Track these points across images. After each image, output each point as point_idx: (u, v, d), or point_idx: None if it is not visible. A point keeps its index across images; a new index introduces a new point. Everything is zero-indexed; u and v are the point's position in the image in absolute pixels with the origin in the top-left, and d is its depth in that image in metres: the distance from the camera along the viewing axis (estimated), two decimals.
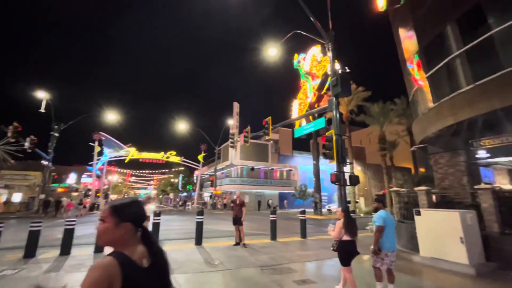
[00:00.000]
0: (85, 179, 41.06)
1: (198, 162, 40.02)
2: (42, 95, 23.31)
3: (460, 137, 9.53)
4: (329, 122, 10.14)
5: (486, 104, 6.82)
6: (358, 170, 37.11)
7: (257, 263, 6.31)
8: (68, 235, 6.98)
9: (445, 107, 8.60)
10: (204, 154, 38.84)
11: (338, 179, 8.93)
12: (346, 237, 4.03)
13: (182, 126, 33.29)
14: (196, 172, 47.11)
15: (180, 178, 50.65)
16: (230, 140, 19.84)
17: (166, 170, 65.50)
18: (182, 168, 51.26)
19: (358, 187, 38.99)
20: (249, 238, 9.68)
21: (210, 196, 40.56)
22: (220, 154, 38.49)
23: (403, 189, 9.00)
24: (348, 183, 9.12)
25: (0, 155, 29.09)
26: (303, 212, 10.62)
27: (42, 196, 24.03)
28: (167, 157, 38.56)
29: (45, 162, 23.79)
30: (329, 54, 10.84)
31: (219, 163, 37.65)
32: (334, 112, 9.79)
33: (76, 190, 34.66)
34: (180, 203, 41.03)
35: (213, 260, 6.45)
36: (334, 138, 9.17)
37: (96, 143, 31.94)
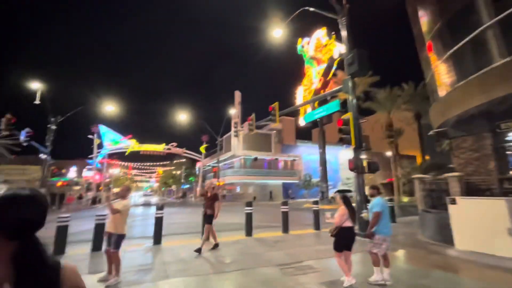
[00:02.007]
0: (86, 172, 40.55)
1: (200, 153, 39.32)
2: (36, 85, 22.37)
3: (487, 119, 8.69)
4: (343, 105, 9.28)
5: None
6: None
7: (274, 261, 5.61)
8: (62, 232, 6.28)
9: (474, 85, 7.71)
10: (206, 145, 38.10)
11: (356, 166, 8.17)
12: (346, 224, 4.14)
13: (183, 117, 32.40)
14: (198, 164, 46.54)
15: (183, 169, 50.16)
16: (234, 129, 19.02)
17: (168, 162, 64.95)
18: (184, 160, 50.65)
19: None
20: (259, 231, 9.02)
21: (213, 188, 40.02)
22: (222, 145, 37.73)
23: (428, 176, 8.22)
24: (366, 170, 8.37)
25: None
26: (316, 203, 9.91)
27: (42, 191, 23.47)
28: (169, 149, 37.85)
29: (43, 156, 23.08)
30: (343, 32, 9.83)
31: (222, 154, 36.94)
32: (351, 93, 8.92)
33: (77, 184, 34.22)
34: (180, 194, 40.68)
35: (224, 258, 5.76)
36: (351, 121, 8.34)
37: (95, 135, 31.16)
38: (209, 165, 43.98)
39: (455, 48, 8.69)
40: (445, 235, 6.59)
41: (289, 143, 41.05)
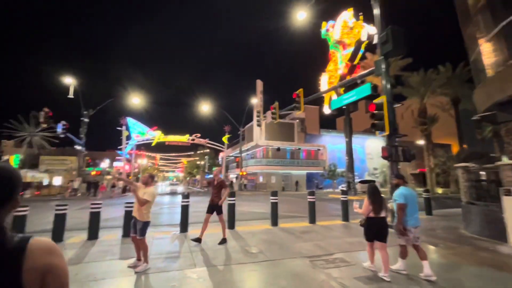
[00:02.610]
0: (117, 163, 42.85)
1: (223, 143, 39.72)
2: (69, 81, 23.64)
3: None
4: (375, 88, 8.57)
5: None
6: None
7: (303, 252, 5.36)
8: (95, 218, 6.51)
9: None
10: (228, 136, 38.33)
11: (390, 154, 7.55)
12: (372, 214, 4.10)
13: (205, 108, 32.69)
14: (221, 154, 47.18)
15: (206, 159, 51.21)
16: (256, 118, 18.74)
17: (192, 153, 66.69)
18: (208, 150, 51.61)
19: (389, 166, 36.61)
20: (284, 221, 8.81)
21: (236, 177, 40.49)
22: (244, 135, 37.71)
23: (473, 165, 7.39)
24: (401, 158, 7.72)
25: (38, 142, 30.91)
26: (345, 193, 9.45)
27: (79, 180, 25.17)
28: (192, 140, 38.64)
29: (78, 147, 24.58)
30: (375, 10, 8.96)
31: (244, 144, 36.99)
32: (384, 75, 8.20)
33: (108, 173, 36.30)
34: (205, 184, 41.79)
35: (251, 248, 5.61)
36: (385, 105, 7.68)
37: (124, 127, 32.56)
38: (231, 155, 44.40)
39: (508, 19, 7.62)
40: (494, 230, 5.90)
41: (312, 133, 40.02)
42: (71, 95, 23.03)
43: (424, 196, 10.86)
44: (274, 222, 8.15)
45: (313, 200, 8.84)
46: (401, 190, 4.14)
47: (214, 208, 6.13)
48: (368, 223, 4.19)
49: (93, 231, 6.45)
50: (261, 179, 36.31)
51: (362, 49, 21.76)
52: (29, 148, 31.39)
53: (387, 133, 7.64)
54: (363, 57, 23.96)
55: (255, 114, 22.29)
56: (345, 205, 9.14)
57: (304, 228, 7.86)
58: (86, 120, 25.36)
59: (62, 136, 21.12)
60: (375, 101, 7.95)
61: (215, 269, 4.35)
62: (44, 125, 19.21)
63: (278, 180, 34.99)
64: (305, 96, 13.57)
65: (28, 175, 28.11)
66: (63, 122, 21.11)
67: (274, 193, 8.44)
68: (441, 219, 9.65)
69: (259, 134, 33.28)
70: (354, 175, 21.99)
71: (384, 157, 7.60)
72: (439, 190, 25.23)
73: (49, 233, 6.23)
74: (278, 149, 33.97)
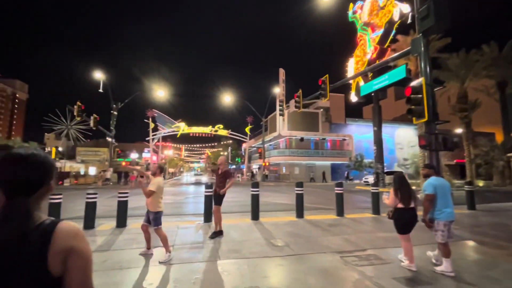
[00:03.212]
0: (145, 154, 44.81)
1: (245, 134, 39.73)
2: (99, 76, 24.71)
3: None
4: (410, 71, 7.74)
5: None
6: None
7: (332, 246, 5.02)
8: (122, 207, 6.66)
9: None
10: (250, 126, 38.22)
11: (429, 142, 6.83)
12: (400, 205, 3.93)
13: (228, 99, 32.70)
14: (243, 145, 47.36)
15: (229, 150, 51.77)
16: (279, 107, 18.26)
17: (215, 144, 67.82)
18: (230, 141, 52.10)
19: (420, 157, 34.33)
20: (310, 213, 8.47)
21: (259, 168, 40.50)
22: (267, 126, 37.33)
23: None
24: (442, 147, 6.96)
25: (74, 134, 33.15)
26: (376, 184, 8.84)
27: (110, 170, 26.63)
28: (215, 131, 39.07)
29: (108, 139, 25.88)
30: None
31: (267, 135, 36.67)
32: (423, 55, 7.36)
33: (137, 164, 38.11)
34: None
35: (276, 241, 5.37)
36: (424, 88, 6.90)
37: (150, 119, 33.69)
38: (254, 146, 44.36)
39: None
40: None
41: (338, 122, 38.56)
42: (101, 90, 24.09)
43: (466, 188, 9.88)
44: (300, 214, 7.85)
45: (341, 191, 8.38)
46: (430, 180, 3.92)
47: (216, 197, 5.75)
48: (400, 215, 3.94)
49: (121, 219, 6.61)
50: (284, 170, 35.95)
51: (394, 30, 20.10)
52: (67, 140, 33.74)
53: (425, 119, 6.90)
54: (394, 40, 22.22)
55: (277, 103, 21.76)
56: (376, 197, 8.56)
57: (332, 221, 7.47)
58: (115, 113, 26.51)
59: (93, 128, 22.30)
60: (413, 84, 7.18)
61: (239, 262, 4.18)
62: (78, 118, 20.37)
63: (302, 171, 34.38)
64: (330, 83, 12.83)
65: (67, 165, 30.32)
66: (94, 115, 22.22)
67: (300, 184, 8.10)
68: (487, 215, 8.71)
69: (282, 124, 32.71)
70: (383, 166, 20.83)
71: (422, 146, 6.91)
72: (480, 183, 23.16)
73: (82, 220, 6.49)
74: (302, 139, 33.22)
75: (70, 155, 34.31)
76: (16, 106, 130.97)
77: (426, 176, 4.14)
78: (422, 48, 7.33)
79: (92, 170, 31.25)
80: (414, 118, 7.22)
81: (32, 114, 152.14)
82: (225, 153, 57.46)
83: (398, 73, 8.26)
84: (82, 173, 30.55)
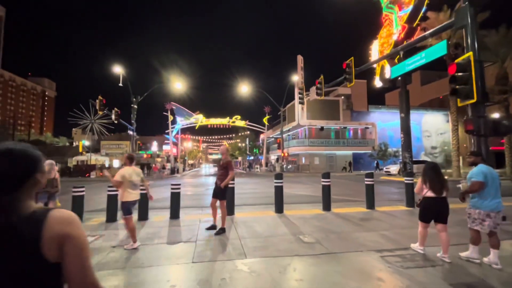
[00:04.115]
0: (165, 146, 45.76)
1: (263, 125, 39.20)
2: (119, 70, 25.05)
3: None
4: (454, 46, 6.81)
5: None
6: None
7: (368, 244, 4.52)
8: (143, 200, 6.50)
9: None
10: (268, 117, 37.60)
11: (477, 127, 6.00)
12: (430, 194, 3.87)
13: (245, 89, 32.17)
14: (261, 136, 46.94)
15: (247, 141, 51.63)
16: (299, 95, 17.51)
17: (233, 135, 67.98)
18: (248, 132, 51.82)
19: (452, 144, 32.04)
20: (337, 206, 7.95)
21: (277, 159, 40.04)
22: (285, 115, 36.50)
23: None
24: (491, 132, 6.10)
25: (97, 128, 34.40)
26: (410, 175, 8.09)
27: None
28: (233, 122, 38.88)
29: (130, 132, 26.46)
30: None
31: (285, 125, 35.91)
32: (470, 27, 6.41)
33: (158, 156, 39.01)
34: (247, 165, 42.58)
35: (305, 237, 4.95)
36: (473, 65, 6.02)
37: (169, 112, 34.06)
38: (272, 137, 43.79)
39: None
40: None
41: (360, 110, 36.88)
42: (121, 84, 24.46)
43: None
44: (327, 207, 7.36)
45: (371, 182, 7.75)
46: (480, 167, 3.75)
47: (217, 191, 5.32)
48: (426, 204, 3.93)
49: (143, 212, 6.48)
50: (303, 161, 35.21)
51: (425, 6, 18.41)
52: (92, 134, 35.08)
53: (473, 100, 6.05)
54: (424, 18, 20.46)
55: (296, 92, 20.94)
56: (410, 189, 7.85)
57: (362, 215, 6.92)
58: (135, 106, 26.93)
59: (115, 122, 22.80)
60: (458, 60, 6.30)
61: (267, 261, 3.81)
62: (100, 112, 20.87)
63: (322, 161, 33.48)
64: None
65: (93, 158, 31.59)
66: (115, 109, 22.66)
67: (326, 175, 7.56)
68: None
69: (300, 114, 31.80)
70: (411, 155, 19.57)
71: (469, 131, 6.09)
72: None
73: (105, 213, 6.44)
74: (322, 129, 32.17)
75: (95, 148, 35.73)
76: (45, 103, 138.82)
77: (473, 164, 3.98)
78: (469, 20, 6.38)
79: (116, 163, 32.35)
80: (458, 100, 6.37)
81: (60, 111, 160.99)
82: (243, 144, 57.43)
83: (437, 50, 7.34)
84: (107, 165, 31.71)
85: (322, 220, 6.29)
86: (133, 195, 4.43)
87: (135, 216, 6.54)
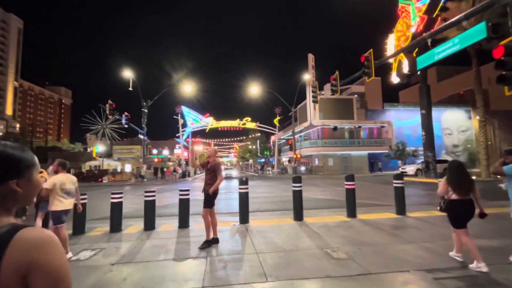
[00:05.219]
0: (177, 150, 45.80)
1: (274, 126, 38.47)
2: (129, 74, 25.06)
3: None
4: (496, 28, 5.92)
5: None
6: (476, 120, 28.42)
7: (413, 260, 3.74)
8: (150, 207, 5.96)
9: None
10: (279, 118, 36.82)
11: None
12: (455, 196, 3.53)
13: (255, 90, 31.59)
14: (272, 137, 46.20)
15: (258, 143, 50.97)
16: (312, 94, 16.72)
17: (244, 137, 67.54)
18: (259, 134, 51.17)
19: (477, 141, 30.21)
20: (362, 211, 7.13)
21: (289, 161, 39.11)
22: (297, 116, 35.64)
23: None
24: None
25: (109, 133, 34.70)
26: (442, 174, 7.17)
27: (144, 166, 27.23)
28: (243, 124, 38.36)
29: (141, 136, 26.37)
30: None
31: (297, 125, 35.04)
32: None
33: (169, 160, 38.97)
34: (259, 167, 42.10)
35: (334, 251, 4.21)
36: None
37: (179, 115, 33.93)
38: (283, 138, 42.96)
39: None
40: None
41: (375, 108, 35.53)
42: (131, 88, 24.42)
43: None
44: (352, 213, 6.57)
45: (401, 185, 6.91)
46: None
47: (206, 200, 4.68)
48: (453, 207, 3.56)
49: (149, 221, 5.92)
50: (316, 162, 34.18)
51: None
52: (104, 139, 35.42)
53: None
54: (444, 8, 19.28)
55: (309, 90, 20.15)
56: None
57: (394, 222, 6.10)
58: (145, 110, 26.86)
59: (125, 126, 22.71)
60: (505, 42, 5.42)
61: (295, 285, 3.10)
62: (110, 117, 20.81)
63: (336, 162, 32.34)
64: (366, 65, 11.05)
65: (105, 163, 31.79)
66: (126, 113, 22.58)
67: (350, 177, 6.77)
68: None
69: (313, 114, 30.88)
70: (434, 153, 18.32)
71: None
72: None
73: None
74: (335, 129, 31.11)
75: (108, 153, 36.05)
76: (62, 111, 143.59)
77: (506, 164, 3.67)
78: None
79: (128, 167, 32.46)
80: (506, 88, 5.48)
81: (76, 117, 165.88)
82: (254, 147, 56.81)
83: (475, 34, 6.44)
84: (119, 170, 31.83)
85: (348, 229, 5.52)
86: (65, 204, 4.13)
87: (141, 225, 6.01)
